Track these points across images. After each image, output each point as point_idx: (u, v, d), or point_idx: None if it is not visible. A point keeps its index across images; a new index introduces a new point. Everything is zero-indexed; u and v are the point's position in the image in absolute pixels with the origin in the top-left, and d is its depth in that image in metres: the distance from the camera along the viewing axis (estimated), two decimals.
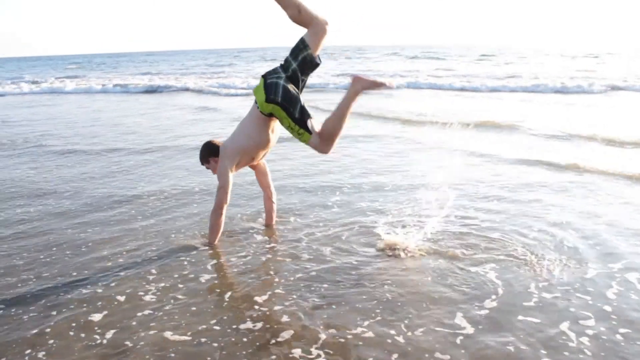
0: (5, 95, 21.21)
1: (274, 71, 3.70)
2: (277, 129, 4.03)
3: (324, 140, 3.58)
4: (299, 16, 3.58)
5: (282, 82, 3.62)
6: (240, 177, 5.37)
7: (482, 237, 4.12)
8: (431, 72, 23.42)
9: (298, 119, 3.60)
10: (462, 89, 16.65)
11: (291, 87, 3.64)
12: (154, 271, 3.67)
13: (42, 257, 3.98)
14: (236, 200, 5.20)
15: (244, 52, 75.74)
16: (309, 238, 4.24)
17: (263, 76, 3.71)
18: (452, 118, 9.39)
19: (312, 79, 19.82)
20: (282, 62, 3.72)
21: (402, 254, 3.83)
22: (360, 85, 3.50)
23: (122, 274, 3.63)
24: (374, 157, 7.00)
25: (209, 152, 4.12)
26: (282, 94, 3.59)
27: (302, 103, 3.64)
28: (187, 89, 20.00)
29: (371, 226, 4.41)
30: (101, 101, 16.94)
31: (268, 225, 4.52)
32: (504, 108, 11.82)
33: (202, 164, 4.23)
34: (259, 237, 4.30)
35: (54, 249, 4.13)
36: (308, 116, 3.63)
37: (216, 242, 4.11)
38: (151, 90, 20.39)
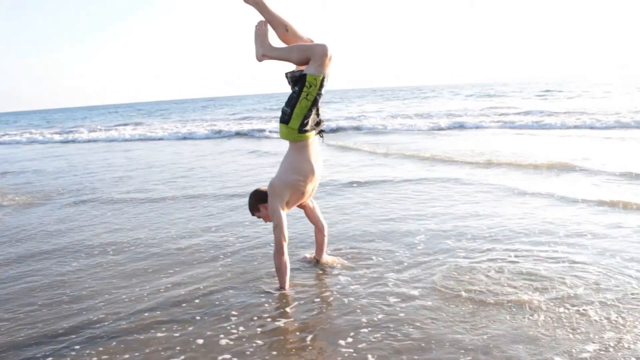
0: (67, 142, 22.33)
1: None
2: (320, 158, 3.93)
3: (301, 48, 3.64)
4: (286, 34, 3.77)
5: (283, 107, 3.73)
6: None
7: (577, 276, 3.82)
8: (493, 110, 22.88)
9: (300, 77, 3.61)
10: (526, 127, 15.98)
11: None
12: (234, 312, 3.59)
13: (123, 296, 3.99)
14: (308, 239, 5.11)
15: None
16: (394, 277, 4.06)
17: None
18: (521, 159, 9.02)
19: (372, 121, 19.50)
20: None
21: (494, 294, 3.60)
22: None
23: (198, 317, 3.56)
24: (451, 200, 6.74)
25: (257, 200, 4.01)
26: (288, 104, 3.68)
27: (293, 87, 3.71)
28: (251, 135, 19.93)
29: (460, 266, 4.20)
30: (170, 147, 17.36)
31: (318, 259, 4.43)
32: (573, 146, 11.18)
33: (253, 213, 4.10)
34: (342, 278, 4.13)
35: (137, 289, 4.13)
36: (299, 74, 3.64)
37: (287, 285, 3.92)
38: (214, 136, 20.66)
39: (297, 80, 3.64)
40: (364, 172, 9.02)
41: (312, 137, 3.80)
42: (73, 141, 22.87)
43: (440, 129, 17.14)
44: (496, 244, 4.68)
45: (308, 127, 3.69)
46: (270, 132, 19.70)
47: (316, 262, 4.45)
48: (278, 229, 3.81)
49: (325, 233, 4.38)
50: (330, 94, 70.93)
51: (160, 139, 21.33)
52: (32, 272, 4.71)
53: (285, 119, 3.67)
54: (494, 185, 7.25)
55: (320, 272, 4.30)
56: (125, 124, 32.39)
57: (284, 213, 3.84)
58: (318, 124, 3.79)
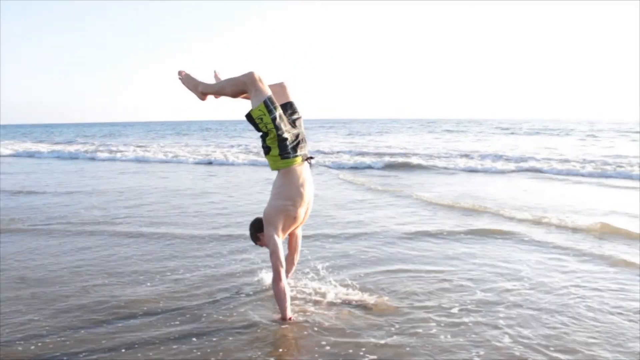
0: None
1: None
2: (309, 183, 3.86)
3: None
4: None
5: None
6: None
7: None
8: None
9: (248, 118, 3.77)
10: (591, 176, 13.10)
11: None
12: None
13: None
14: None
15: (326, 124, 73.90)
16: (470, 321, 3.80)
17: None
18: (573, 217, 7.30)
19: (418, 159, 16.52)
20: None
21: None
22: (188, 84, 4.09)
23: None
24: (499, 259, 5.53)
25: (257, 229, 4.05)
26: (262, 140, 3.83)
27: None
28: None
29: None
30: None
31: None
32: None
33: (255, 243, 4.13)
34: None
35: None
36: (247, 117, 3.79)
37: (288, 313, 3.77)
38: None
39: (251, 122, 3.78)
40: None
41: (299, 163, 3.80)
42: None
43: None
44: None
45: (289, 150, 3.75)
46: None
47: None
48: (274, 256, 3.78)
49: (295, 263, 4.33)
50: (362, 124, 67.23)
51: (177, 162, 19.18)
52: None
53: (266, 151, 3.83)
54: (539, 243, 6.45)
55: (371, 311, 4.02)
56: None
57: (279, 239, 3.82)
58: (298, 143, 3.79)
